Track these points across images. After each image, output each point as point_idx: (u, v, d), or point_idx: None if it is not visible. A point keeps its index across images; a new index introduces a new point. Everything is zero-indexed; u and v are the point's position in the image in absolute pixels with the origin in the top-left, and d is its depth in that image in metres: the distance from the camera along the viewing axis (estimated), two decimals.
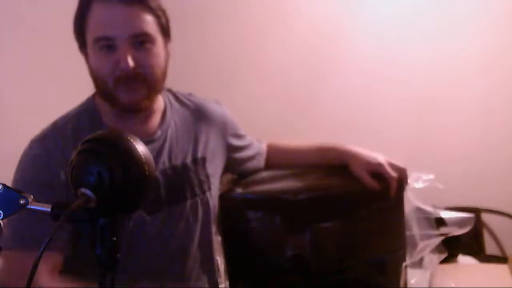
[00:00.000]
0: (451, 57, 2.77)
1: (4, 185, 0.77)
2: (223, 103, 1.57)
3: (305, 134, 2.78)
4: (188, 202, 1.36)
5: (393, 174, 1.48)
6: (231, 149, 1.52)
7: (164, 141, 1.34)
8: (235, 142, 1.53)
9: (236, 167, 1.56)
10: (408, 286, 1.45)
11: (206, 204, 1.40)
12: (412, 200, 1.50)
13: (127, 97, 1.23)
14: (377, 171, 1.48)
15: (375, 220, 1.45)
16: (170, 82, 1.47)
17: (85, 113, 1.30)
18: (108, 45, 1.20)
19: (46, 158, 1.21)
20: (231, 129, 1.52)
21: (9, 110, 2.12)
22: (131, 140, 0.78)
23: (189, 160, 1.37)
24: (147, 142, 1.26)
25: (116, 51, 1.20)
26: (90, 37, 1.22)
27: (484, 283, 1.49)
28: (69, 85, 2.46)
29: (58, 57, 2.38)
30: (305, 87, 2.90)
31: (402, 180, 1.50)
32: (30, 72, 2.24)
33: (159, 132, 1.34)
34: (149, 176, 0.78)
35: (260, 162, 1.61)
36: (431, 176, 1.53)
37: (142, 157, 0.78)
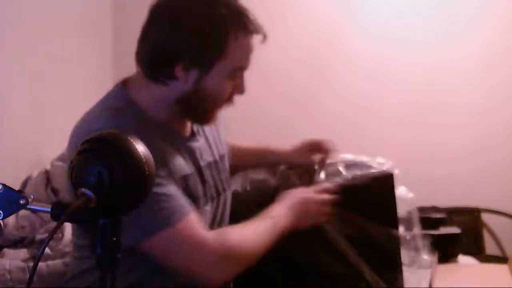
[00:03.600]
0: (451, 57, 2.77)
1: (4, 185, 0.77)
2: None
3: (305, 134, 2.78)
4: (222, 197, 1.40)
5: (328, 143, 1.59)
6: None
7: (204, 138, 1.39)
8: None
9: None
10: (408, 286, 1.45)
11: (230, 199, 1.45)
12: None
13: (216, 117, 1.32)
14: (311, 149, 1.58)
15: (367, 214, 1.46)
16: None
17: (132, 106, 1.26)
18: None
19: None
20: (228, 129, 1.55)
21: (9, 111, 2.12)
22: (131, 140, 0.78)
23: (217, 157, 1.42)
24: (194, 139, 1.35)
25: (236, 78, 1.26)
26: (227, 63, 1.22)
27: (484, 283, 1.49)
28: (70, 86, 2.46)
29: (59, 57, 2.38)
30: (305, 87, 2.90)
31: (392, 177, 1.49)
32: (31, 72, 2.24)
33: (199, 130, 1.38)
34: (149, 176, 0.78)
35: None
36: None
37: (142, 157, 0.77)
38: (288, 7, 2.89)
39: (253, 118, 2.73)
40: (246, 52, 1.25)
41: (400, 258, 1.47)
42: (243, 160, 1.64)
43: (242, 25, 1.22)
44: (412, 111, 2.81)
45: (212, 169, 1.38)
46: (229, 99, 1.29)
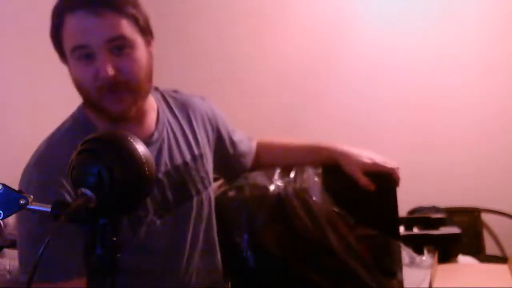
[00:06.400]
0: (451, 60, 2.77)
1: (4, 185, 0.77)
2: (223, 99, 1.55)
3: (304, 136, 2.78)
4: (194, 200, 1.36)
5: (393, 165, 1.48)
6: (225, 144, 1.51)
7: (163, 141, 1.33)
8: (229, 136, 1.52)
9: (229, 163, 1.54)
10: (408, 286, 1.45)
11: (209, 200, 1.41)
12: None
13: (113, 106, 1.20)
14: (374, 170, 1.47)
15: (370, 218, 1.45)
16: (171, 84, 1.47)
17: (78, 126, 1.25)
18: (85, 54, 1.17)
19: (47, 184, 1.15)
20: (222, 124, 1.51)
21: (9, 111, 2.12)
22: (131, 140, 0.78)
23: (188, 158, 1.37)
24: (145, 145, 1.26)
25: (94, 60, 1.17)
26: (67, 48, 1.19)
27: (484, 283, 1.49)
28: (70, 86, 2.46)
29: (58, 59, 2.38)
30: (304, 89, 2.90)
31: (393, 180, 1.48)
32: (31, 72, 2.24)
33: (156, 134, 1.32)
34: (149, 176, 0.78)
35: (248, 161, 1.59)
36: None
37: (142, 157, 0.77)
38: (287, 9, 2.89)
39: (251, 120, 2.73)
40: (74, 30, 1.18)
41: (400, 261, 1.47)
42: (286, 158, 1.59)
43: (66, 5, 1.19)
44: (412, 111, 2.81)
45: (175, 174, 1.32)
46: (99, 86, 1.18)
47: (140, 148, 0.78)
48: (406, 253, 1.55)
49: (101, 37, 1.16)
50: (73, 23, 1.17)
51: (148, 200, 1.25)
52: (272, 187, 1.49)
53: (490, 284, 1.49)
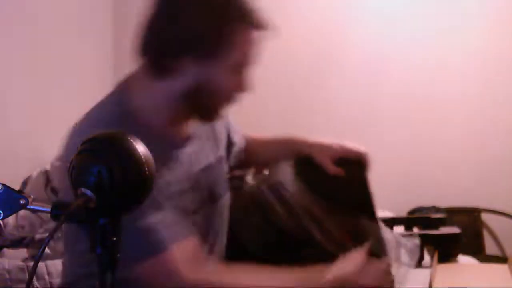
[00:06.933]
0: (452, 57, 2.78)
1: (4, 185, 0.77)
2: None
3: (308, 127, 2.79)
4: (221, 200, 1.38)
5: (362, 149, 1.49)
6: (232, 145, 1.52)
7: (200, 140, 1.35)
8: (234, 138, 1.53)
9: (230, 163, 1.54)
10: (408, 286, 1.45)
11: (228, 201, 1.42)
12: None
13: (224, 113, 1.31)
14: (344, 156, 1.48)
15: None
16: None
17: (125, 116, 1.21)
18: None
19: None
20: (232, 126, 1.52)
21: (9, 111, 2.12)
22: (131, 140, 0.78)
23: (214, 160, 1.38)
24: (189, 144, 1.30)
25: (240, 72, 1.24)
26: (230, 58, 1.21)
27: (484, 283, 1.49)
28: (70, 86, 2.46)
29: (60, 57, 2.38)
30: (305, 86, 2.90)
31: (364, 164, 1.49)
32: (31, 72, 2.25)
33: (195, 133, 1.34)
34: (149, 176, 0.78)
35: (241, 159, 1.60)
36: None
37: (142, 157, 0.78)
38: (287, 9, 2.89)
39: (251, 120, 2.74)
40: (250, 47, 1.22)
41: (384, 244, 1.46)
42: (262, 153, 1.60)
43: (248, 19, 1.20)
44: (412, 111, 2.81)
45: (208, 173, 1.34)
46: (232, 96, 1.27)
47: (140, 148, 0.78)
48: (406, 253, 1.55)
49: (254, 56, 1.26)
50: (251, 39, 1.23)
51: (191, 197, 1.27)
52: (245, 187, 1.49)
53: (490, 284, 1.49)
